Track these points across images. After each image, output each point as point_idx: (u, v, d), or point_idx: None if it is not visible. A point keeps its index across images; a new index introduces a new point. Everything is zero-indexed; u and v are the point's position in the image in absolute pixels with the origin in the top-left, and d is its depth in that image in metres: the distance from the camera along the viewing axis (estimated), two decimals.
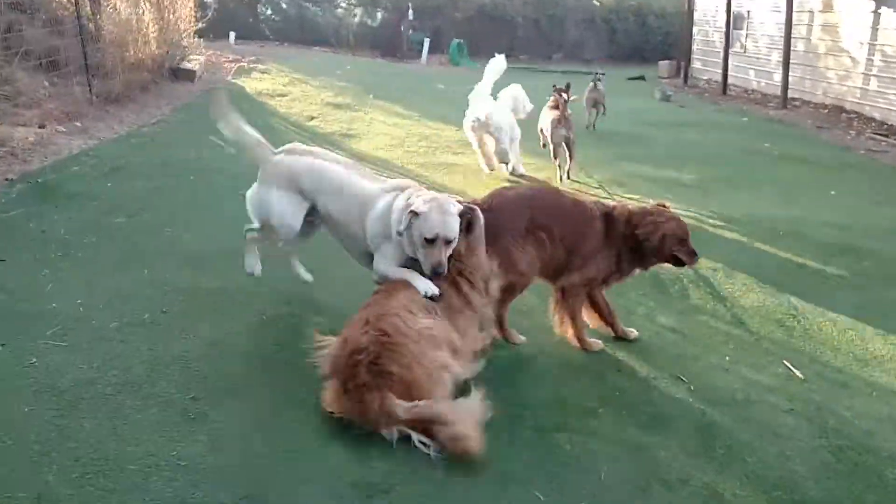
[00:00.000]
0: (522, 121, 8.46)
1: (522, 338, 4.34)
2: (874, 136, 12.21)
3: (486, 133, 8.03)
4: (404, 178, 4.39)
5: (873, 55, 13.45)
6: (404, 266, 3.72)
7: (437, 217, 3.50)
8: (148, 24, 11.04)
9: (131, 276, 4.70)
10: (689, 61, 20.35)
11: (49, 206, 5.87)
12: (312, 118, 10.69)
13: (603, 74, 11.69)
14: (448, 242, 3.55)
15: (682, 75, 20.25)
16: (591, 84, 11.30)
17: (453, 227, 3.55)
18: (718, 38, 18.76)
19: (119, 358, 3.69)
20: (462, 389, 3.38)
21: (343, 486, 2.89)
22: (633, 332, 4.56)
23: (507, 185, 5.44)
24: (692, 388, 3.98)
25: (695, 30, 20.34)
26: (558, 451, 3.28)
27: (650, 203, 4.68)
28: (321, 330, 3.71)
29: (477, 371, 3.58)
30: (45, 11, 9.94)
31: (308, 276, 4.74)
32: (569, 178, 8.24)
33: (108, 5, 10.45)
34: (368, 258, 3.93)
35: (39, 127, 7.82)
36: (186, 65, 12.33)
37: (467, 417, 3.13)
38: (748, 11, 17.71)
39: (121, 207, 5.99)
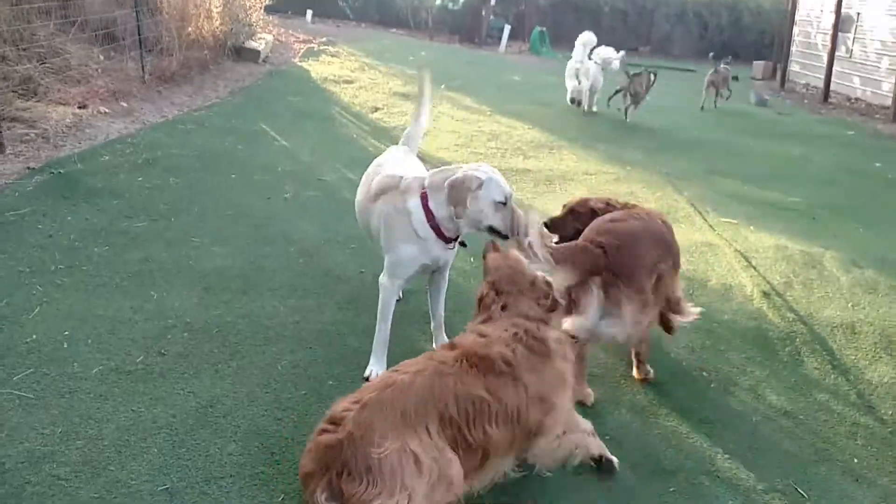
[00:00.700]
0: None
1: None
2: None
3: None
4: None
5: None
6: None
7: (500, 177, 3.40)
8: None
9: (135, 300, 4.00)
10: (787, 63, 18.88)
11: (65, 203, 5.23)
12: (377, 109, 9.92)
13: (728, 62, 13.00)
14: None
15: (778, 78, 18.82)
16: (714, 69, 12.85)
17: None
18: (821, 41, 17.30)
19: (90, 422, 2.98)
20: None
21: None
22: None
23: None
24: None
25: (795, 30, 18.85)
26: None
27: None
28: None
29: None
30: None
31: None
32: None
33: None
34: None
35: (79, 107, 7.25)
36: (252, 44, 11.71)
37: None
38: (858, 14, 16.20)
39: (145, 208, 5.32)
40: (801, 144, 10.87)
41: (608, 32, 25.06)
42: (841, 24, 16.07)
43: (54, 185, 5.52)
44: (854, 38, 16.34)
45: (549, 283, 2.90)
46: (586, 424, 2.97)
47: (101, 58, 8.81)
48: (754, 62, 20.53)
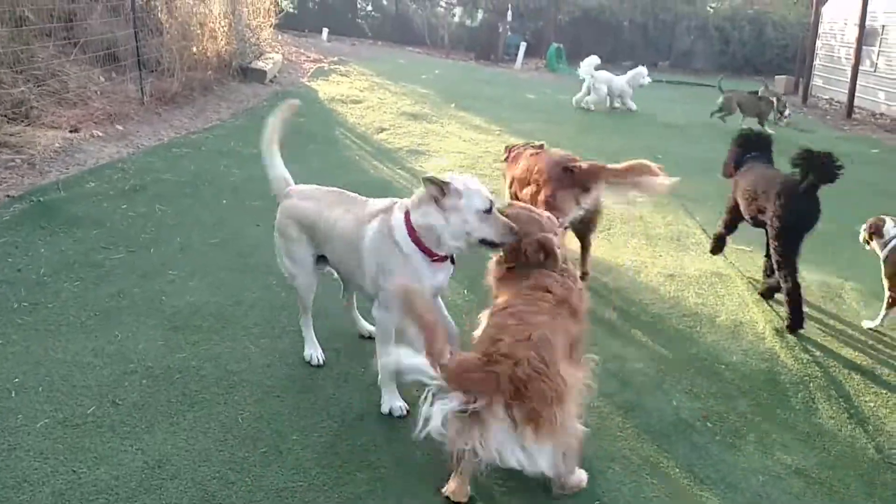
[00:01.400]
0: None
1: None
2: None
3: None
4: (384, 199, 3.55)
5: None
6: None
7: (478, 185, 3.22)
8: (218, 17, 10.27)
9: (97, 341, 3.77)
10: (809, 78, 18.45)
11: (41, 234, 5.03)
12: (382, 130, 9.70)
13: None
14: None
15: (800, 93, 18.39)
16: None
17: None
18: (845, 54, 16.89)
19: (24, 485, 2.73)
20: None
21: None
22: None
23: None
24: None
25: (818, 44, 18.43)
26: None
27: None
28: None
29: None
30: None
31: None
32: None
33: None
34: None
35: (71, 131, 7.09)
36: (259, 64, 11.55)
37: None
38: (883, 26, 15.77)
39: (125, 238, 5.11)
40: None
41: (628, 47, 24.83)
42: (865, 36, 15.65)
43: (33, 213, 5.33)
44: (879, 52, 15.90)
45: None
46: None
47: (102, 79, 8.69)
48: (776, 76, 20.11)
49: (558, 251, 3.18)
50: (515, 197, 5.25)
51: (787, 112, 14.02)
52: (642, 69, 13.97)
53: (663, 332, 4.68)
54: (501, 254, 3.31)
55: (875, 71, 15.89)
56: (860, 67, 15.60)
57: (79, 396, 3.29)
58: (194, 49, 9.72)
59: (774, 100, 13.58)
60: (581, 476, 3.03)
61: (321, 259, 3.70)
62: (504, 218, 3.21)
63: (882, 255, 4.92)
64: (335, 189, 3.76)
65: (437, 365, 2.60)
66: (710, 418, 3.76)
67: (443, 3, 26.71)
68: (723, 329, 4.78)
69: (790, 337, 4.75)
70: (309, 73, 13.16)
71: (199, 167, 6.98)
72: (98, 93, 8.34)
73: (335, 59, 15.20)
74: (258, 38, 11.85)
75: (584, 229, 5.26)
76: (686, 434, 3.60)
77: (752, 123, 13.13)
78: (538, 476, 2.71)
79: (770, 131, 11.36)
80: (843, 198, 7.44)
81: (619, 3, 24.50)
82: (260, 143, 3.85)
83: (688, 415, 3.77)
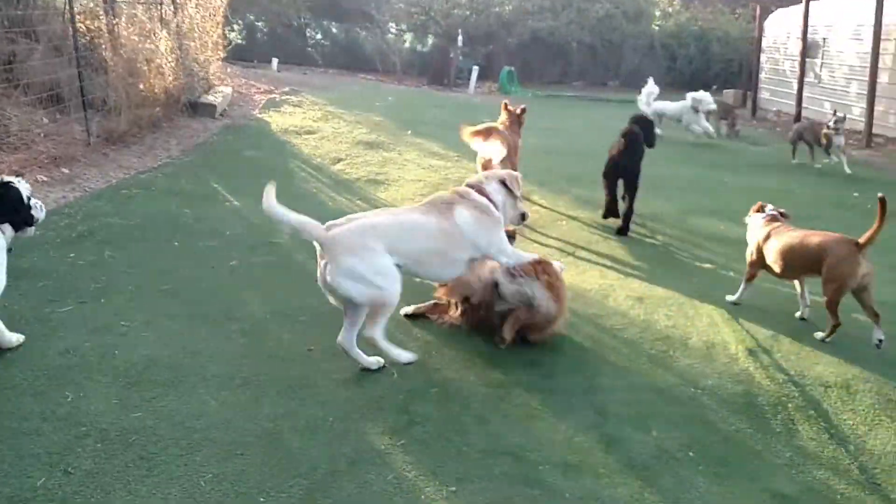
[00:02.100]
0: None
1: None
2: None
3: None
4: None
5: None
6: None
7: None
8: (164, 53, 10.04)
9: (46, 404, 3.53)
10: (756, 91, 18.84)
11: None
12: (339, 160, 9.55)
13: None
14: None
15: (749, 106, 18.75)
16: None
17: None
18: (789, 67, 17.28)
19: None
20: None
21: None
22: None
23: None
24: None
25: (763, 57, 18.84)
26: None
27: None
28: None
29: None
30: (50, 39, 9.00)
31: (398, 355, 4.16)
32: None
33: (116, 31, 9.46)
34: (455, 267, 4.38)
35: (15, 176, 6.77)
36: (208, 98, 11.33)
37: None
38: (824, 39, 16.17)
39: (74, 289, 4.86)
40: (778, 176, 10.63)
41: (578, 68, 25.13)
42: (808, 49, 16.02)
43: None
44: (822, 64, 16.29)
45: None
46: None
47: (46, 121, 8.41)
48: (724, 91, 20.48)
49: None
50: None
51: (737, 126, 14.29)
52: (704, 95, 13.21)
53: (636, 358, 4.60)
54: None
55: (819, 83, 16.27)
56: (805, 79, 15.96)
57: (27, 467, 3.06)
58: (141, 86, 9.47)
59: (722, 112, 13.95)
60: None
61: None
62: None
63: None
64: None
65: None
66: (692, 448, 3.66)
67: (393, 30, 26.78)
68: (696, 352, 4.71)
69: (763, 356, 4.71)
70: (260, 105, 12.97)
71: (149, 209, 6.75)
72: (42, 135, 8.06)
73: (287, 89, 15.01)
74: (206, 72, 11.63)
75: None
76: (670, 466, 3.50)
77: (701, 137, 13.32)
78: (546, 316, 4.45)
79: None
80: (802, 211, 7.48)
81: (567, 25, 24.80)
82: (264, 209, 3.86)
83: (670, 445, 3.67)
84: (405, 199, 7.90)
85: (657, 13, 26.85)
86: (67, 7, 8.31)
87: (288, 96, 14.15)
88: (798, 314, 5.39)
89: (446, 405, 3.81)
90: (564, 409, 3.91)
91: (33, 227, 4.19)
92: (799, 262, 5.02)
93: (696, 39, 24.72)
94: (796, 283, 5.40)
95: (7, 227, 4.00)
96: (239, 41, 24.98)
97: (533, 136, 11.85)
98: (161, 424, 3.41)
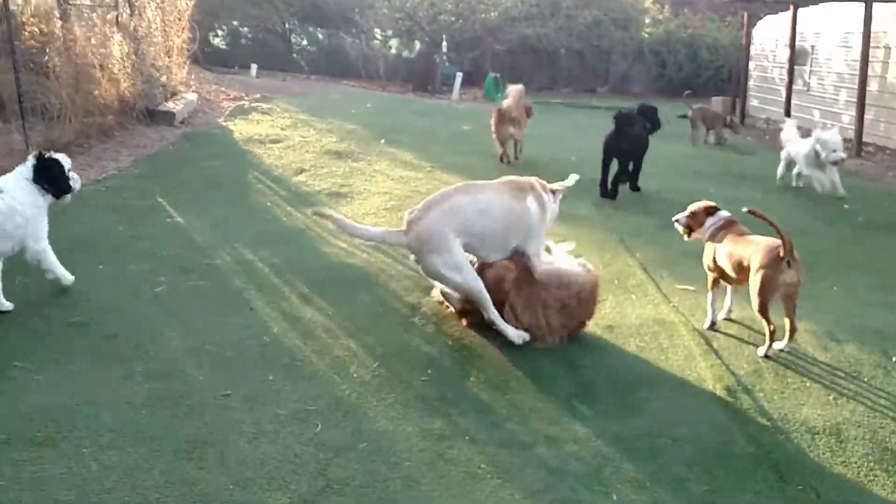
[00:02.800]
0: None
1: None
2: None
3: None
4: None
5: None
6: None
7: None
8: (120, 59, 9.51)
9: None
10: (745, 99, 18.42)
11: None
12: (302, 171, 9.01)
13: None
14: None
15: (737, 113, 18.31)
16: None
17: None
18: (778, 75, 16.85)
19: None
20: None
21: None
22: None
23: None
24: None
25: (751, 65, 18.42)
26: None
27: None
28: None
29: None
30: None
31: None
32: None
33: (67, 35, 8.92)
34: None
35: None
36: (168, 105, 10.78)
37: None
38: (812, 46, 15.76)
39: None
40: (764, 188, 10.13)
41: (566, 75, 24.68)
42: (796, 57, 15.64)
43: None
44: (811, 71, 15.87)
45: None
46: None
47: None
48: (713, 98, 20.04)
49: None
50: None
51: (725, 136, 13.88)
52: (831, 136, 9.36)
53: (600, 399, 4.08)
54: None
55: (808, 90, 15.85)
56: (793, 87, 15.57)
57: None
58: (95, 92, 8.93)
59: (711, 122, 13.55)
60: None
61: None
62: None
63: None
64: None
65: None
66: None
67: (378, 35, 26.27)
68: (668, 392, 4.20)
69: (744, 396, 4.19)
70: (227, 113, 12.41)
71: (81, 226, 6.20)
72: None
73: (258, 95, 14.46)
74: (168, 78, 11.08)
75: None
76: None
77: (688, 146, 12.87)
78: None
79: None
80: (789, 226, 6.89)
81: (556, 31, 24.34)
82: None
83: None
84: (367, 215, 7.38)
85: (647, 20, 26.42)
86: (3, 9, 7.76)
87: (258, 103, 13.59)
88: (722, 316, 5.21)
89: (373, 465, 3.28)
90: (513, 468, 3.38)
91: (69, 196, 4.91)
92: (738, 268, 4.76)
93: (685, 46, 24.28)
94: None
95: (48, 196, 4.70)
96: (222, 46, 24.51)
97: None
98: (24, 497, 2.86)
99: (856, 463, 3.64)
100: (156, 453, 3.21)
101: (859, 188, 10.35)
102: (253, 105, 13.31)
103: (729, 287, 5.19)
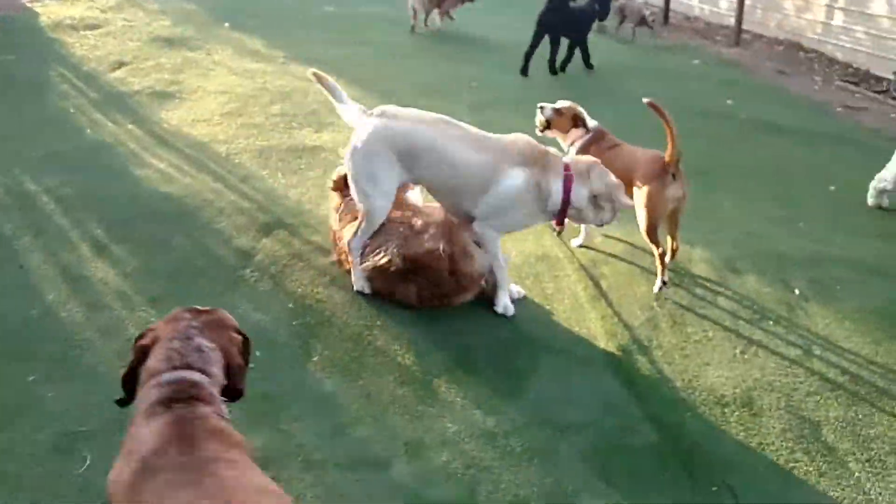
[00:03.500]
0: None
1: None
2: (843, 83, 10.16)
3: None
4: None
5: None
6: None
7: None
8: None
9: None
10: None
11: None
12: (121, 65, 7.47)
13: None
14: None
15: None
16: None
17: None
18: None
19: None
20: None
21: None
22: None
23: None
24: None
25: None
26: None
27: None
28: None
29: None
30: None
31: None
32: None
33: None
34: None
35: None
36: None
37: None
38: None
39: None
40: (648, 82, 9.44)
41: None
42: None
43: None
44: None
45: None
46: None
47: None
48: None
49: None
50: None
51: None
52: None
53: (476, 374, 3.29)
54: None
55: None
56: None
57: None
58: None
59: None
60: None
61: None
62: None
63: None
64: None
65: None
66: None
67: None
68: (555, 358, 3.46)
69: (640, 358, 3.52)
70: None
71: None
72: None
73: None
74: None
75: None
76: None
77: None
78: None
79: None
80: (679, 124, 6.21)
81: None
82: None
83: None
84: (198, 122, 6.12)
85: None
86: None
87: None
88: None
89: None
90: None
91: None
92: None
93: None
94: None
95: None
96: None
97: (394, 37, 10.10)
98: None
99: (773, 445, 3.06)
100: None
101: (741, 83, 9.88)
102: None
103: None
